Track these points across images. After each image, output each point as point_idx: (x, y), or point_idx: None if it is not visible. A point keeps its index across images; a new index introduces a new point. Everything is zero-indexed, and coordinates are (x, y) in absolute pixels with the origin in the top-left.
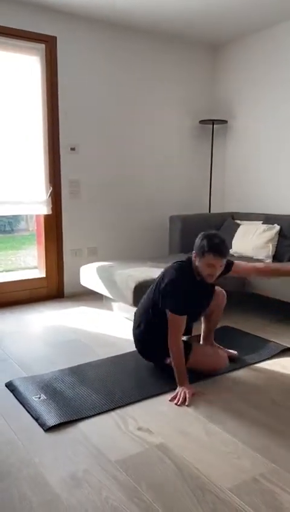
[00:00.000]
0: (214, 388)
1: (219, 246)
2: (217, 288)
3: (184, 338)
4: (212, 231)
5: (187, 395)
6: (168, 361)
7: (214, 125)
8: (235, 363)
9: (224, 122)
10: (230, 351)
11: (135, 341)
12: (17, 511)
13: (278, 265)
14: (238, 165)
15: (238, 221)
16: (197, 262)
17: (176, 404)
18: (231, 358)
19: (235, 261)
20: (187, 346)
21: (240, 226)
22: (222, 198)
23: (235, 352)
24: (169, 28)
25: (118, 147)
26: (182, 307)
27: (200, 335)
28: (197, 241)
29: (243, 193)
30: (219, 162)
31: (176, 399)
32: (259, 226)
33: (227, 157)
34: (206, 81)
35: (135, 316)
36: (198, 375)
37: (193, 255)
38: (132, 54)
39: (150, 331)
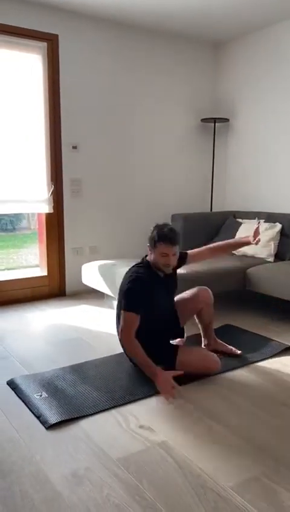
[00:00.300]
0: (215, 386)
1: (168, 234)
2: (201, 287)
3: (174, 341)
4: (164, 223)
5: (170, 385)
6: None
7: (216, 124)
8: (237, 361)
9: (226, 120)
10: (233, 348)
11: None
12: (19, 508)
13: (225, 241)
14: (240, 164)
15: (240, 220)
16: (152, 256)
17: (169, 400)
18: (233, 356)
19: (189, 251)
20: (174, 348)
21: (242, 225)
22: (224, 196)
23: (239, 352)
24: (171, 26)
25: (119, 145)
26: (135, 305)
27: (200, 334)
28: (149, 235)
29: (244, 192)
30: (221, 160)
31: (165, 396)
32: (261, 224)
33: (229, 156)
34: (208, 79)
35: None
36: (196, 375)
37: (148, 250)
38: (133, 52)
39: None
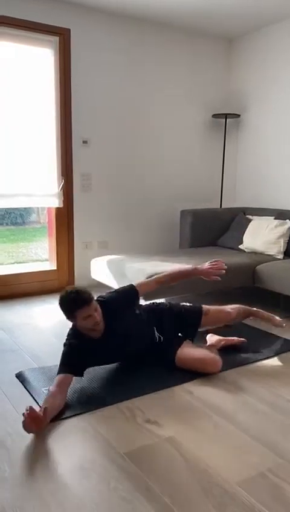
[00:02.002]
0: (222, 383)
1: (74, 299)
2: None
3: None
4: (61, 294)
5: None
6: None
7: (227, 119)
8: (245, 358)
9: (237, 116)
10: (235, 338)
11: None
12: (26, 499)
13: (176, 268)
14: (251, 160)
15: (250, 217)
16: (80, 327)
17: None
18: (239, 346)
19: (136, 284)
20: (176, 344)
21: (251, 221)
22: (234, 193)
23: (242, 338)
24: (183, 20)
25: (130, 140)
26: (64, 364)
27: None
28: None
29: (255, 188)
30: (231, 156)
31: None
32: (271, 221)
33: (239, 152)
34: (220, 75)
35: None
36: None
37: (72, 325)
38: (145, 47)
39: None
